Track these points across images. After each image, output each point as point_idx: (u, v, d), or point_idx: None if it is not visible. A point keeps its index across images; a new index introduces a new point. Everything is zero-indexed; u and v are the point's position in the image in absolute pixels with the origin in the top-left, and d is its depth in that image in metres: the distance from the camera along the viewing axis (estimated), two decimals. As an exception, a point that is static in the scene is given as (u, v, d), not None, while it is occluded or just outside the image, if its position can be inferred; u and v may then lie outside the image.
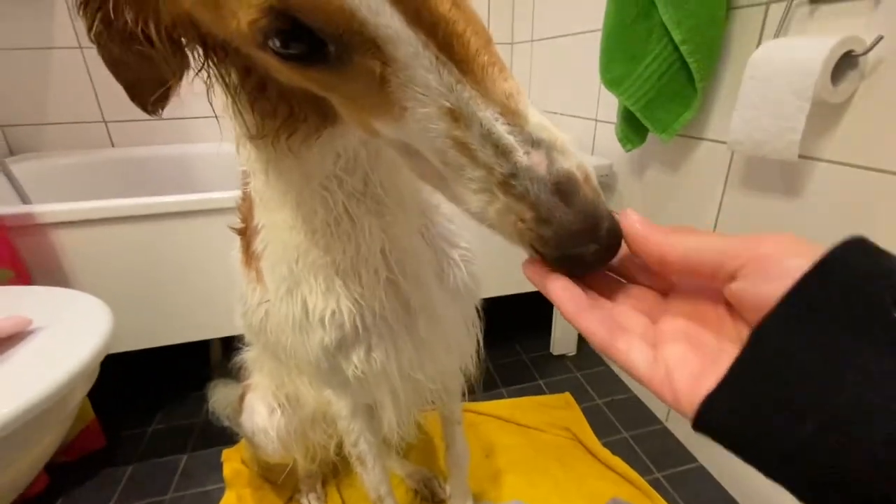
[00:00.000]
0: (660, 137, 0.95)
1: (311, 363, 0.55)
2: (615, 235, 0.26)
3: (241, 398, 0.93)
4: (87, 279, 0.99)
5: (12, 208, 0.90)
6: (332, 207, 0.43)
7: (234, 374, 1.24)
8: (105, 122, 1.53)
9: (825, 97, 0.66)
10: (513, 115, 0.25)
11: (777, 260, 0.21)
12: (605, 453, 1.06)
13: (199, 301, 1.10)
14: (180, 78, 0.34)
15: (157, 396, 1.31)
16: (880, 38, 0.62)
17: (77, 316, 0.63)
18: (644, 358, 0.25)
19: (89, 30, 0.31)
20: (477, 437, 1.11)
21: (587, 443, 1.09)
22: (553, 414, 1.19)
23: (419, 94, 0.25)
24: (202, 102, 1.39)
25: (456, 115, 0.25)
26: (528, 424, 1.15)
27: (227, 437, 1.14)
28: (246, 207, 0.58)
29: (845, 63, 0.65)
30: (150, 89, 0.35)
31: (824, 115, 0.70)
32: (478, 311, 0.65)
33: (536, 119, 0.26)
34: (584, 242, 0.25)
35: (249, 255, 0.65)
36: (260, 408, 0.85)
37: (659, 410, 1.20)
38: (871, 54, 0.64)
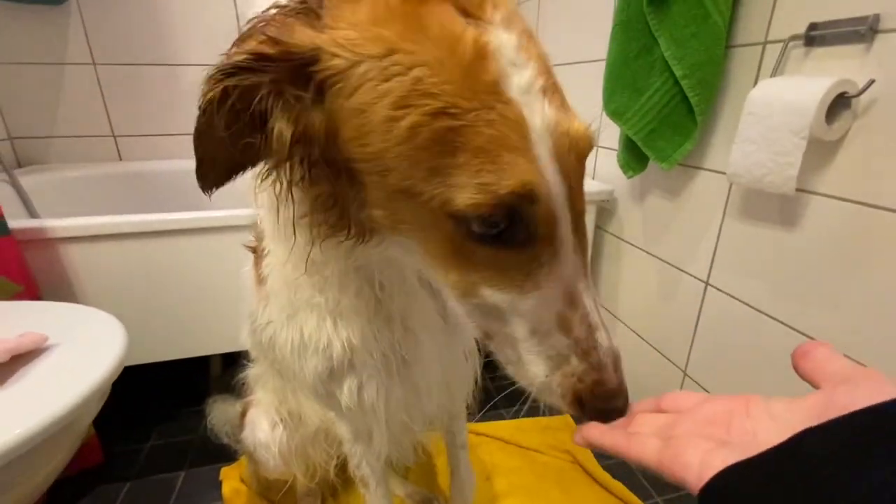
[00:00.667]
0: (660, 166, 0.98)
1: (309, 387, 0.56)
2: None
3: (243, 414, 0.93)
4: (94, 294, 0.99)
5: (23, 222, 0.91)
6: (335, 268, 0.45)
7: (233, 389, 1.24)
8: (114, 137, 1.55)
9: (820, 135, 0.69)
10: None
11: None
12: (606, 477, 1.06)
13: (203, 317, 1.11)
14: (254, 166, 0.34)
15: (155, 412, 1.31)
16: (872, 82, 0.66)
17: (92, 333, 0.64)
18: (655, 447, 0.28)
19: (211, 101, 0.30)
20: (477, 458, 1.11)
21: (588, 466, 1.09)
22: (553, 436, 1.19)
23: (558, 279, 0.32)
24: None
25: (572, 298, 0.33)
26: (529, 446, 1.15)
27: (226, 454, 1.13)
28: (259, 228, 0.60)
29: (839, 103, 0.68)
30: (223, 171, 0.35)
31: (820, 152, 0.73)
32: (477, 342, 0.66)
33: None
34: (619, 398, 0.34)
35: (260, 274, 0.66)
36: (262, 423, 0.85)
37: (658, 434, 1.21)
38: (863, 96, 0.67)
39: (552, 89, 0.30)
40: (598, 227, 1.33)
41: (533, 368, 0.34)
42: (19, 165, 1.46)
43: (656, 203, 1.14)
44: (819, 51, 0.74)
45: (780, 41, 0.79)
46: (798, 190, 0.75)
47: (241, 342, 0.94)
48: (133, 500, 1.05)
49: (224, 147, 0.32)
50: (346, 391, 0.54)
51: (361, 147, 0.30)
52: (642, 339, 1.24)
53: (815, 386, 0.25)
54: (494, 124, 0.27)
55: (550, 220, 0.30)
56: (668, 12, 0.86)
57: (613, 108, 1.00)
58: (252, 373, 0.93)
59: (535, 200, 0.29)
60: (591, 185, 1.26)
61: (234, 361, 1.34)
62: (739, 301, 0.92)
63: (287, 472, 0.87)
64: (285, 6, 0.30)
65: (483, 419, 1.24)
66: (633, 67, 0.94)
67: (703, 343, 1.03)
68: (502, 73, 0.27)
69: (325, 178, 0.32)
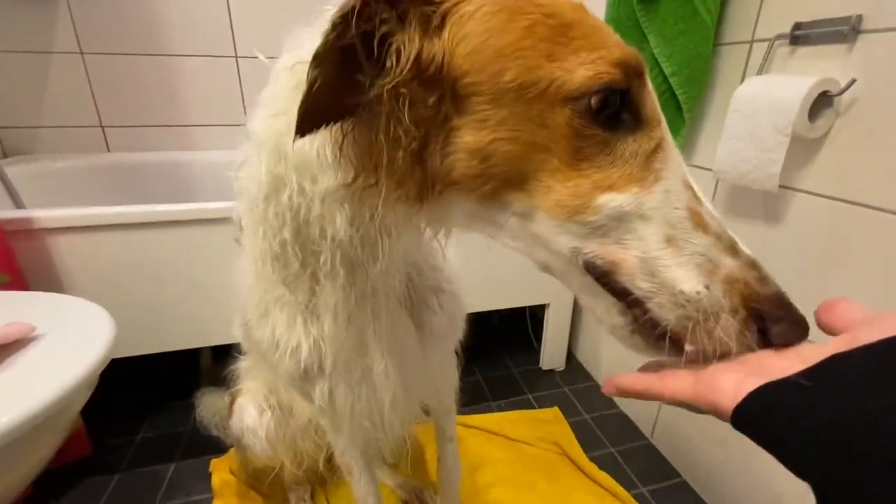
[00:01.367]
0: (649, 162, 0.99)
1: (287, 383, 0.57)
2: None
3: (232, 402, 0.93)
4: (82, 285, 0.99)
5: (10, 213, 0.90)
6: (322, 262, 0.43)
7: (223, 382, 1.24)
8: (102, 127, 1.53)
9: (803, 133, 0.71)
10: None
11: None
12: (592, 468, 1.08)
13: (193, 309, 1.10)
14: (350, 115, 0.32)
15: (144, 404, 1.30)
16: (853, 81, 0.67)
17: (79, 323, 0.64)
18: (689, 381, 0.28)
19: (326, 44, 0.29)
20: (466, 450, 1.12)
21: (574, 457, 1.11)
22: (542, 428, 1.21)
23: (674, 167, 0.31)
24: (200, 110, 1.43)
25: (692, 190, 0.31)
26: (517, 438, 1.17)
27: (216, 446, 1.13)
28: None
29: (822, 102, 0.70)
30: (323, 112, 0.31)
31: (802, 150, 0.75)
32: (456, 351, 0.67)
33: None
34: (792, 309, 0.29)
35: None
36: (250, 409, 0.85)
37: (645, 426, 1.23)
38: (845, 95, 0.69)
39: None
40: (588, 223, 1.34)
41: (686, 283, 0.29)
42: (5, 156, 1.44)
43: (645, 199, 1.16)
44: (804, 50, 0.75)
45: (766, 40, 0.80)
46: (781, 187, 0.76)
47: (234, 334, 0.95)
48: (122, 492, 1.05)
49: (334, 79, 0.30)
50: (318, 393, 0.54)
51: (478, 53, 0.30)
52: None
53: (840, 333, 0.26)
54: (596, 26, 0.31)
55: (652, 99, 0.31)
56: (658, 10, 0.87)
57: (603, 104, 1.00)
58: (243, 365, 0.94)
59: (641, 74, 0.30)
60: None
61: (224, 354, 1.34)
62: (724, 296, 0.93)
63: (275, 458, 0.88)
64: None
65: (472, 411, 1.26)
66: (623, 64, 0.95)
67: (689, 337, 1.04)
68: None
69: (419, 120, 0.30)
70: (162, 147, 1.60)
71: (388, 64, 0.29)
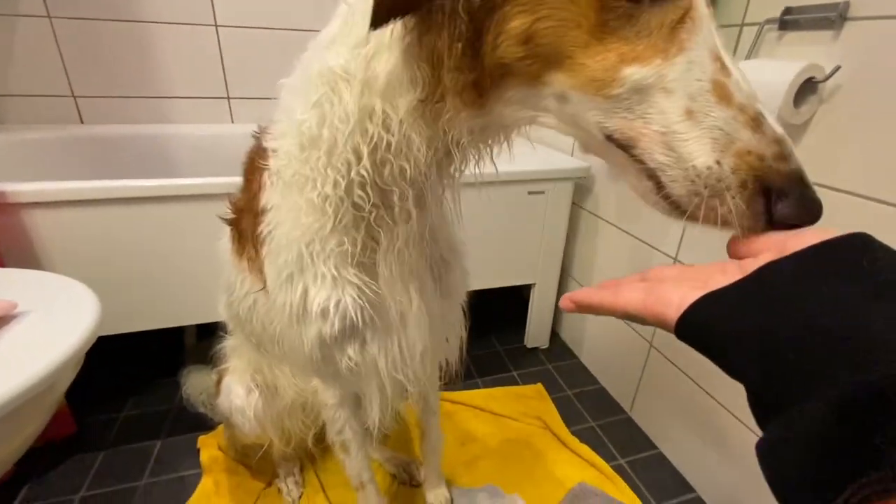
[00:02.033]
0: (637, 145, 1.00)
1: (303, 354, 0.57)
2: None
3: (219, 381, 0.93)
4: (59, 262, 0.96)
5: (-18, 186, 0.86)
6: (395, 200, 0.46)
7: (208, 360, 1.24)
8: (74, 97, 1.46)
9: (788, 118, 0.72)
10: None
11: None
12: (574, 441, 1.12)
13: (176, 287, 1.09)
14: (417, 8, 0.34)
15: (128, 382, 1.29)
16: (838, 68, 0.69)
17: (63, 301, 0.62)
18: (640, 294, 0.28)
19: None
20: (453, 425, 1.15)
21: (557, 431, 1.15)
22: (526, 404, 1.24)
23: (701, 38, 0.30)
24: (179, 82, 1.38)
25: (721, 61, 0.30)
26: (502, 413, 1.20)
27: (203, 423, 1.14)
28: (251, 192, 0.58)
29: (807, 88, 0.71)
30: (393, 10, 0.33)
31: (787, 134, 0.76)
32: (463, 309, 0.68)
33: None
34: (807, 188, 0.28)
35: (241, 244, 0.66)
36: (237, 389, 0.86)
37: (624, 401, 1.28)
38: (829, 81, 0.70)
39: None
40: (575, 204, 1.36)
41: (700, 159, 0.29)
42: (-30, 125, 1.37)
43: (631, 181, 1.17)
44: (792, 35, 0.76)
45: (756, 24, 0.81)
46: (764, 171, 0.78)
47: (219, 313, 0.94)
48: (108, 468, 1.05)
49: None
50: (350, 352, 0.55)
51: None
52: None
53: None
54: None
55: None
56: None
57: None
58: (228, 344, 0.94)
59: None
60: (569, 162, 1.28)
61: (209, 332, 1.34)
62: (705, 276, 0.96)
63: (263, 436, 0.89)
64: None
65: (459, 388, 1.28)
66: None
67: (669, 316, 1.08)
68: None
69: (475, 11, 0.32)
70: (138, 120, 1.54)
71: None
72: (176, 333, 1.42)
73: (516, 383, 1.35)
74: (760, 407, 0.23)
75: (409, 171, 0.43)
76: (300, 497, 0.99)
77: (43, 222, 0.92)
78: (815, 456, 0.20)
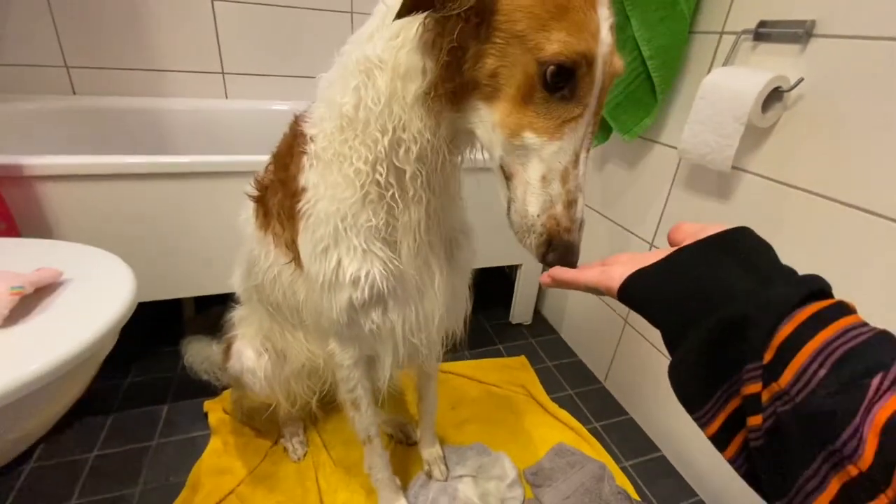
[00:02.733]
0: (622, 138, 1.09)
1: (331, 318, 0.65)
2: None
3: (228, 348, 0.99)
4: (72, 233, 0.99)
5: (2, 158, 0.88)
6: (406, 178, 0.55)
7: (207, 330, 1.29)
8: (67, 68, 1.45)
9: (756, 122, 0.81)
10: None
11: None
12: (554, 406, 1.23)
13: (182, 260, 1.13)
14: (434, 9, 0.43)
15: (129, 351, 1.33)
16: (801, 80, 0.78)
17: (100, 271, 0.67)
18: (597, 272, 0.39)
19: None
20: (444, 391, 1.24)
21: (539, 398, 1.26)
22: (510, 373, 1.35)
23: (575, 137, 0.43)
24: (174, 54, 1.41)
25: (577, 158, 0.44)
26: (489, 382, 1.30)
27: (206, 389, 1.20)
28: (287, 173, 0.64)
29: (774, 96, 0.80)
30: (415, 7, 0.43)
31: (754, 137, 0.86)
32: (469, 285, 0.76)
33: None
34: (569, 253, 0.44)
35: (267, 220, 0.72)
36: (248, 352, 0.92)
37: (599, 372, 1.40)
38: (794, 91, 0.79)
39: (612, 28, 0.44)
40: (561, 190, 1.44)
41: (531, 207, 0.44)
42: (-43, 92, 1.35)
43: (614, 171, 1.26)
44: (764, 46, 0.85)
45: (734, 33, 0.89)
46: (733, 168, 0.88)
47: (227, 284, 0.99)
48: (119, 430, 1.11)
49: None
50: (374, 317, 0.63)
51: (510, 3, 0.41)
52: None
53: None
54: (587, 19, 0.41)
55: (590, 87, 0.42)
56: (641, -5, 0.93)
57: (585, 80, 1.07)
58: (238, 314, 0.99)
59: (591, 65, 0.41)
60: (557, 150, 1.36)
61: (206, 304, 1.38)
62: (677, 260, 1.07)
63: (271, 396, 0.96)
64: None
65: (448, 360, 1.38)
66: (606, 43, 1.02)
67: (644, 296, 1.19)
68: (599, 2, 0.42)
69: (467, 33, 0.43)
70: (131, 92, 1.54)
71: None
72: (174, 305, 1.46)
73: (501, 355, 1.45)
74: (670, 344, 0.33)
75: (414, 152, 0.53)
76: (304, 455, 1.07)
77: (57, 195, 0.95)
78: (698, 370, 0.30)
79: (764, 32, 0.83)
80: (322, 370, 0.91)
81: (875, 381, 0.23)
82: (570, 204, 0.44)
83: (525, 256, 1.48)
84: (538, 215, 0.44)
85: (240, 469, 1.02)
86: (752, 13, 0.86)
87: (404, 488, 0.99)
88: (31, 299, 0.58)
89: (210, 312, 1.45)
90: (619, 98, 1.04)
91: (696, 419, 0.31)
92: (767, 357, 0.27)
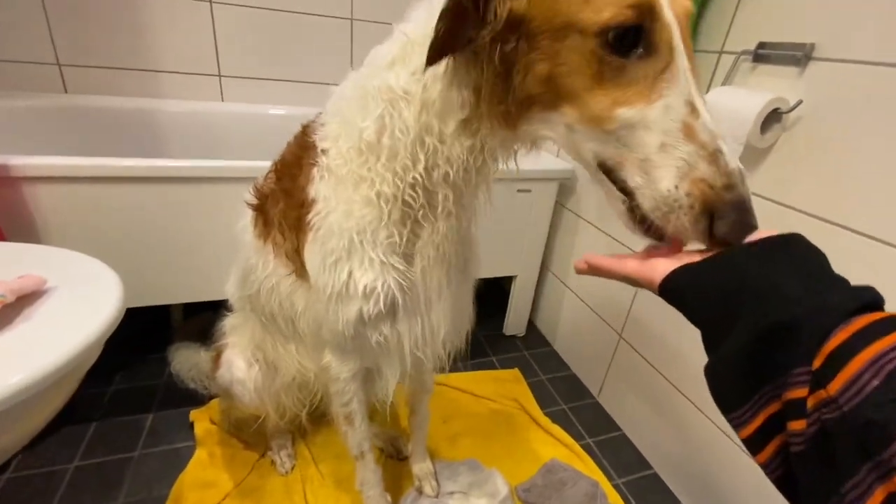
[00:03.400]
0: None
1: (334, 330, 0.63)
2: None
3: (217, 356, 0.97)
4: (55, 236, 0.97)
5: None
6: (438, 197, 0.54)
7: (195, 337, 1.26)
8: (59, 66, 1.42)
9: (754, 143, 0.81)
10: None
11: None
12: (547, 421, 1.22)
13: (172, 266, 1.11)
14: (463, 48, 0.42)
15: (115, 358, 1.30)
16: (800, 102, 0.78)
17: (86, 278, 0.65)
18: (636, 263, 0.39)
19: (448, 5, 0.39)
20: (437, 404, 1.22)
21: (532, 412, 1.24)
22: (503, 386, 1.34)
23: (677, 88, 0.37)
24: (170, 56, 1.39)
25: (692, 106, 0.37)
26: (482, 395, 1.29)
27: (192, 398, 1.17)
28: (295, 183, 0.63)
29: (773, 117, 0.81)
30: (444, 46, 0.42)
31: (752, 157, 0.86)
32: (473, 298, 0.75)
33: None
34: (744, 213, 0.35)
35: (266, 229, 0.70)
36: (238, 362, 0.90)
37: (593, 387, 1.39)
38: (792, 113, 0.80)
39: None
40: (558, 203, 1.44)
41: (663, 182, 0.36)
42: (-56, 88, 1.32)
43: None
44: (763, 67, 0.85)
45: (733, 53, 0.90)
46: (731, 187, 0.88)
47: (219, 292, 0.97)
48: (101, 440, 1.07)
49: (452, 27, 0.40)
50: (384, 329, 0.62)
51: (541, 4, 0.39)
52: (586, 304, 1.39)
53: None
54: None
55: (666, 32, 0.37)
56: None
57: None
58: (229, 322, 0.97)
59: (653, 11, 0.37)
60: (555, 164, 1.36)
61: (195, 311, 1.35)
62: (673, 277, 1.07)
63: (261, 408, 0.93)
64: None
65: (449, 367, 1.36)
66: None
67: (638, 312, 1.19)
68: None
69: (506, 53, 0.41)
70: (125, 92, 1.52)
71: (489, 18, 0.39)
72: (162, 311, 1.43)
73: (495, 368, 1.44)
74: (709, 342, 0.33)
75: (451, 175, 0.51)
76: (292, 468, 1.05)
77: (44, 197, 0.92)
78: (739, 369, 0.30)
79: (763, 54, 0.84)
80: (312, 383, 0.89)
81: None
82: (714, 156, 0.35)
83: (520, 267, 1.47)
84: (676, 186, 0.36)
85: (225, 482, 1.00)
86: (751, 34, 0.86)
87: (395, 504, 0.97)
88: (13, 308, 0.56)
89: (199, 318, 1.42)
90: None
91: (730, 419, 0.31)
92: (817, 363, 0.27)
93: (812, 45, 0.77)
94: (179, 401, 1.18)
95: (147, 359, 1.32)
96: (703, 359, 0.35)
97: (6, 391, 0.48)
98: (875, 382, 0.25)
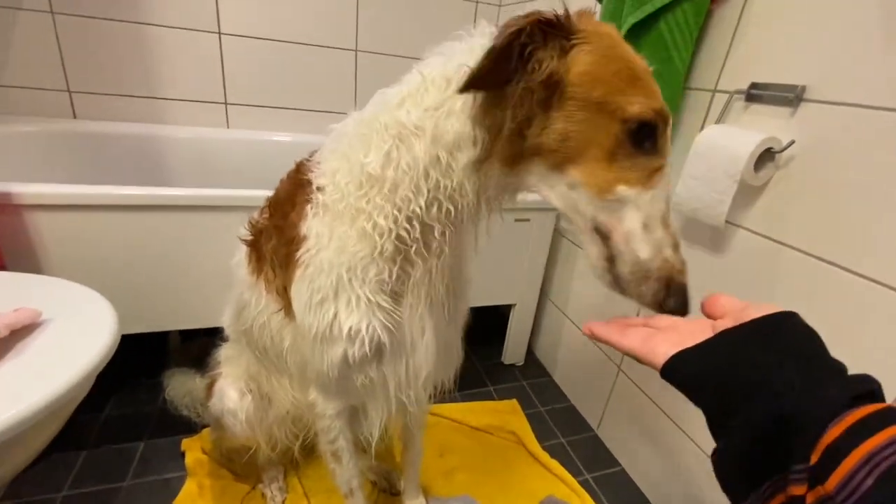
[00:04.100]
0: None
1: (319, 371, 0.63)
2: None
3: (210, 385, 0.96)
4: (56, 264, 0.97)
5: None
6: (434, 233, 0.55)
7: (192, 363, 1.26)
8: (69, 92, 1.46)
9: (748, 180, 0.82)
10: None
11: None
12: (545, 456, 1.19)
13: (165, 292, 1.10)
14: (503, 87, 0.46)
15: (109, 382, 1.29)
16: (792, 142, 0.79)
17: (81, 310, 0.66)
18: (639, 340, 0.40)
19: (496, 45, 0.42)
20: (432, 437, 1.20)
21: (529, 446, 1.22)
22: (501, 418, 1.31)
23: (665, 185, 0.46)
24: (177, 84, 1.43)
25: (668, 203, 0.45)
26: (479, 427, 1.27)
27: (186, 426, 1.16)
28: (287, 220, 0.63)
29: (766, 156, 0.81)
30: (483, 84, 0.45)
31: (747, 194, 0.87)
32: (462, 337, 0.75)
33: None
34: (686, 296, 0.44)
35: (259, 265, 0.70)
36: (231, 392, 0.90)
37: (592, 420, 1.37)
38: (785, 152, 0.81)
39: None
40: (557, 232, 1.45)
41: (642, 253, 0.44)
42: (-42, 113, 1.36)
43: (610, 216, 1.27)
44: (756, 107, 0.87)
45: (727, 92, 0.91)
46: (727, 223, 0.88)
47: (212, 319, 0.97)
48: (90, 469, 1.06)
49: (493, 66, 0.43)
50: (369, 371, 0.61)
51: (585, 75, 0.44)
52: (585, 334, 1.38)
53: (719, 318, 0.39)
54: (652, 83, 0.46)
55: (667, 138, 0.46)
56: (639, 50, 0.96)
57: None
58: (224, 352, 0.96)
59: (666, 121, 0.45)
60: (553, 193, 1.37)
61: (192, 335, 1.35)
62: (671, 310, 1.06)
63: (252, 439, 0.92)
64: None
65: (438, 401, 1.34)
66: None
67: (638, 343, 1.17)
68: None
69: (534, 103, 0.44)
70: (132, 119, 1.55)
71: (530, 68, 0.44)
72: (158, 335, 1.42)
73: (492, 398, 1.42)
74: (713, 428, 0.34)
75: (453, 213, 0.53)
76: (284, 502, 1.03)
77: (45, 224, 0.93)
78: (743, 463, 0.31)
79: (756, 94, 0.86)
80: (307, 417, 0.88)
81: None
82: (676, 247, 0.45)
83: (519, 296, 1.47)
84: (651, 259, 0.44)
85: (214, 516, 0.97)
86: (744, 74, 0.88)
87: (386, 542, 0.94)
88: (7, 342, 0.56)
89: (196, 343, 1.42)
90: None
91: None
92: (814, 458, 0.27)
93: (803, 88, 0.78)
94: (172, 428, 1.17)
95: (142, 383, 1.31)
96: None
97: (-7, 429, 0.47)
98: (869, 482, 0.25)
